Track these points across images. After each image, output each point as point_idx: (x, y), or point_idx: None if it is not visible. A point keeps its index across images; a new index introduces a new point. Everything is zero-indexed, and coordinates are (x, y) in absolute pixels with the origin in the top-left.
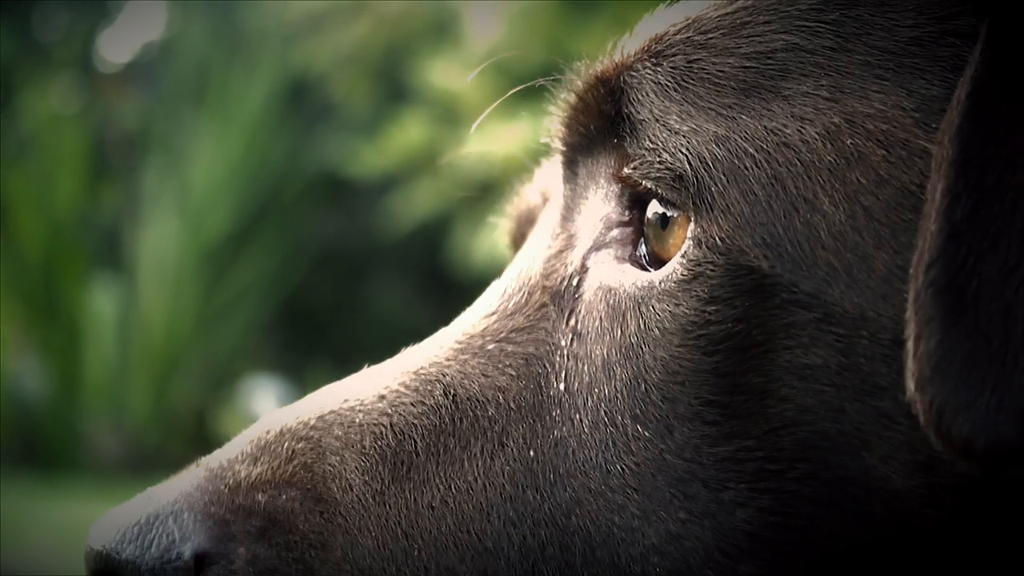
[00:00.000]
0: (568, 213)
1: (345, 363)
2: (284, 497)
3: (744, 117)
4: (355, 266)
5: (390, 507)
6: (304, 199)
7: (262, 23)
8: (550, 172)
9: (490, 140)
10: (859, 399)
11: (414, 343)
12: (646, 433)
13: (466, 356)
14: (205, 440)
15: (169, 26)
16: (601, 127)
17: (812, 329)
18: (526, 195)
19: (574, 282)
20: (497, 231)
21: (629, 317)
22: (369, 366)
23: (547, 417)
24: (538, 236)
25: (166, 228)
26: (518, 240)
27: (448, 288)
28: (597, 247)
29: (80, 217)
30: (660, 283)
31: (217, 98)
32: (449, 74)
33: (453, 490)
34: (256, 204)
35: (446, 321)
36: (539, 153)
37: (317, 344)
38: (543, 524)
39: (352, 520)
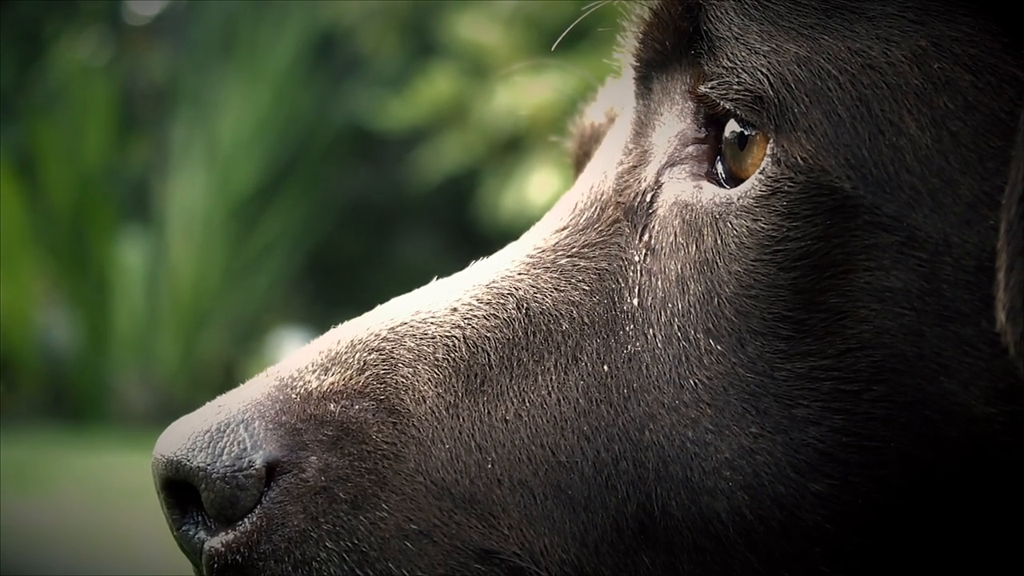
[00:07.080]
0: (641, 129)
1: None
2: (357, 407)
3: (826, 38)
4: (383, 219)
5: (463, 419)
6: (332, 153)
7: None
8: (615, 91)
9: (518, 93)
10: (940, 324)
11: None
12: (718, 347)
13: (538, 270)
14: None
15: None
16: (677, 43)
17: (894, 252)
18: (590, 114)
19: (648, 198)
20: (557, 152)
21: (706, 232)
22: None
23: (620, 332)
24: (607, 152)
25: (194, 181)
26: (581, 159)
27: (476, 241)
28: (672, 163)
29: (108, 170)
30: (738, 199)
31: (245, 51)
32: (477, 27)
33: (527, 404)
34: (284, 157)
35: None
36: (604, 76)
37: (345, 297)
38: (617, 439)
39: (425, 432)
